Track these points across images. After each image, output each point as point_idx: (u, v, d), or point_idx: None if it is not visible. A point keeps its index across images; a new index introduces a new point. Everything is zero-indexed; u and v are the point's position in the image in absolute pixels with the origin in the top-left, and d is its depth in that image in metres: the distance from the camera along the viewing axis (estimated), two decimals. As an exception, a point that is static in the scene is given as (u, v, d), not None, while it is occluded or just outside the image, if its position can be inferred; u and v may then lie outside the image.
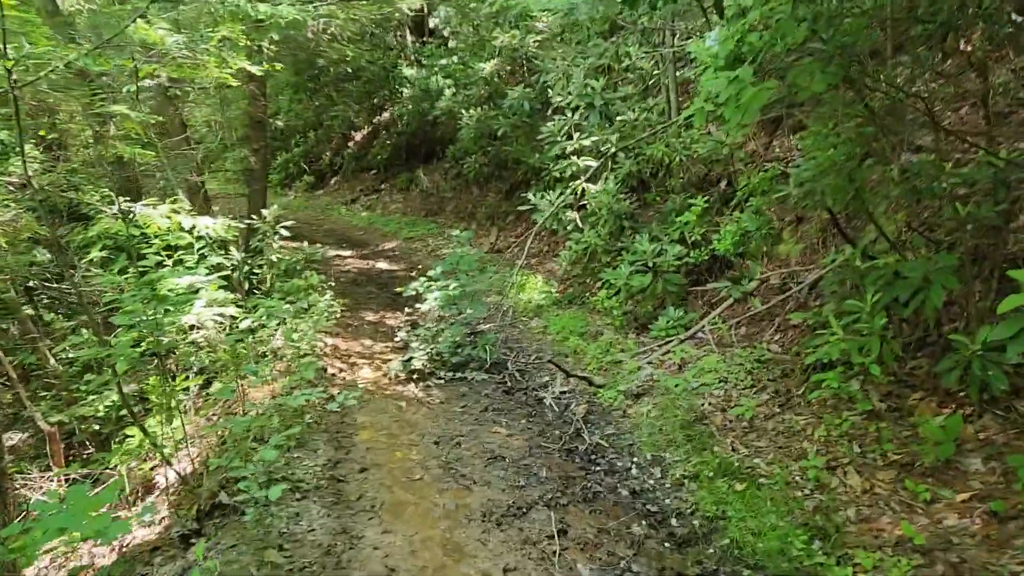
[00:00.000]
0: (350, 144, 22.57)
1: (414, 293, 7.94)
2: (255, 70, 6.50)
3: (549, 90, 9.98)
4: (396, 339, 8.38)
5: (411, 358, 7.26)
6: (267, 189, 10.68)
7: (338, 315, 8.70)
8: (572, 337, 8.01)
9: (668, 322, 7.60)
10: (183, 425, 5.47)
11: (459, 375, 7.27)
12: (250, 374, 5.12)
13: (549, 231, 13.40)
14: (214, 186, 22.73)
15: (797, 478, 4.70)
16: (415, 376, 7.19)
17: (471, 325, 8.02)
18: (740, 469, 4.86)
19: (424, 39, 19.08)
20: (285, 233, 9.50)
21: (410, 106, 17.79)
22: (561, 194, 9.71)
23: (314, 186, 23.25)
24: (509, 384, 7.07)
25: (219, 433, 5.41)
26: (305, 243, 12.26)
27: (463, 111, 12.97)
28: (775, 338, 7.15)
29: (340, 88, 20.06)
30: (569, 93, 9.27)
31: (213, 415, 6.01)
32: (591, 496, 4.87)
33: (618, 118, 9.66)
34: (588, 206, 9.59)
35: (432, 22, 16.70)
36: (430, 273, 8.19)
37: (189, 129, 11.01)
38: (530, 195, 9.78)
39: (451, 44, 15.72)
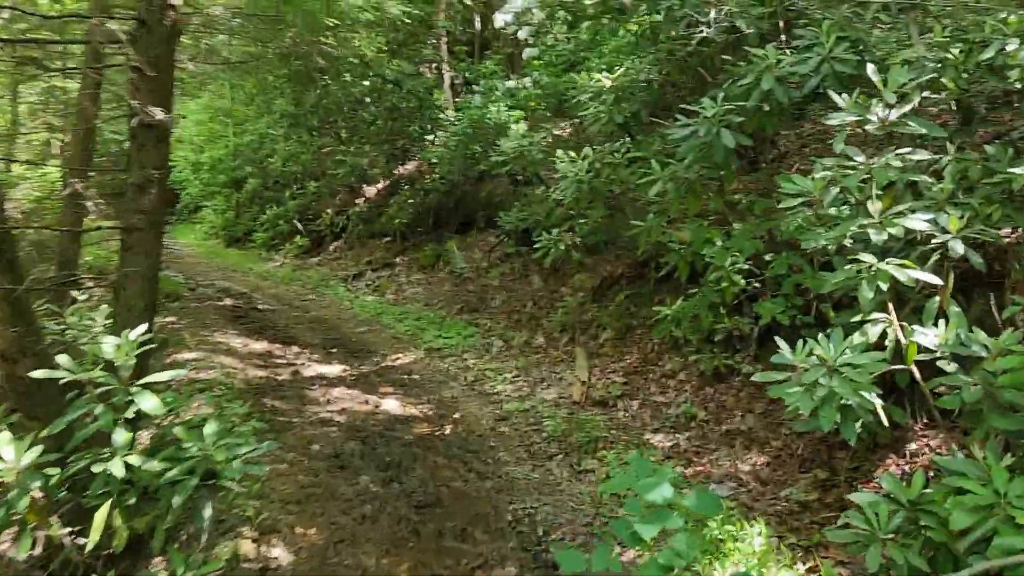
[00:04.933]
0: (359, 201, 16.95)
1: None
2: None
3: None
4: None
5: None
6: (158, 274, 4.81)
7: None
8: None
9: None
10: None
11: None
12: None
13: (748, 391, 7.30)
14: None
15: None
16: None
17: None
18: None
19: (472, 58, 13.53)
20: (151, 407, 3.63)
21: (450, 152, 12.11)
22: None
23: (308, 251, 17.55)
24: None
25: None
26: (273, 346, 6.42)
27: (563, 154, 7.17)
28: None
29: (352, 122, 14.41)
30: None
31: None
32: None
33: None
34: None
35: (499, 20, 10.94)
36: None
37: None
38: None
39: (528, 52, 10.05)
